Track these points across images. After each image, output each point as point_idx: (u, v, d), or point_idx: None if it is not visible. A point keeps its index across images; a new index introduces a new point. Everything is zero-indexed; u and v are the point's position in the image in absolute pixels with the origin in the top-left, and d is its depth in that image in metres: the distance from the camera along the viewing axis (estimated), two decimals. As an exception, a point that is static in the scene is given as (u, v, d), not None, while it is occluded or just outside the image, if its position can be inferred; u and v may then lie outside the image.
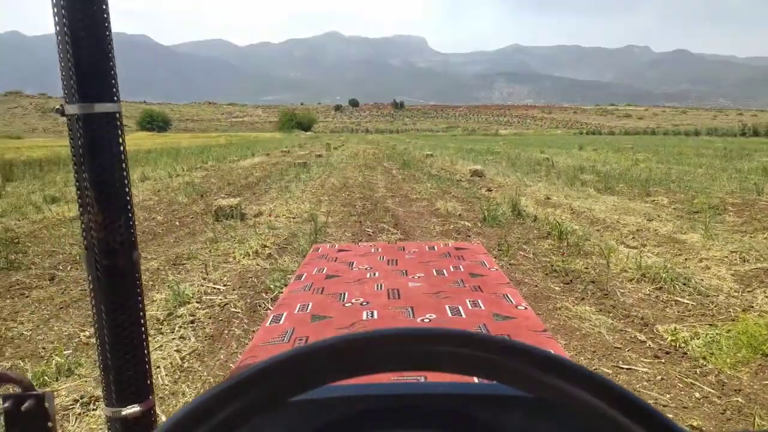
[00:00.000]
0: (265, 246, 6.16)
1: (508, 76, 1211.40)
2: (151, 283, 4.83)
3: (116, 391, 0.78)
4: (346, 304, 1.53)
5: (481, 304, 1.50)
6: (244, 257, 5.68)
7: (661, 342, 3.35)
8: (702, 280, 4.55)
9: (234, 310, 4.06)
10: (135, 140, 50.38)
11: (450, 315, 1.41)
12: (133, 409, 0.78)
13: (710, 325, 3.56)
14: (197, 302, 4.20)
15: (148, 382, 0.82)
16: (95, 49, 0.70)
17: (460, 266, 1.94)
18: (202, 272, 5.12)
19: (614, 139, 57.06)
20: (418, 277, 1.81)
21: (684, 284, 4.43)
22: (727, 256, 5.42)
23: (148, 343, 0.83)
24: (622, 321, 3.72)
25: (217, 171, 16.91)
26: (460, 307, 1.48)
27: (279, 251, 6.03)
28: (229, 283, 4.76)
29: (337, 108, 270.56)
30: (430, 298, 1.57)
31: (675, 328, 3.47)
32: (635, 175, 13.47)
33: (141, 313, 0.80)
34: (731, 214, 8.01)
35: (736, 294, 4.35)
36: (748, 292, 4.43)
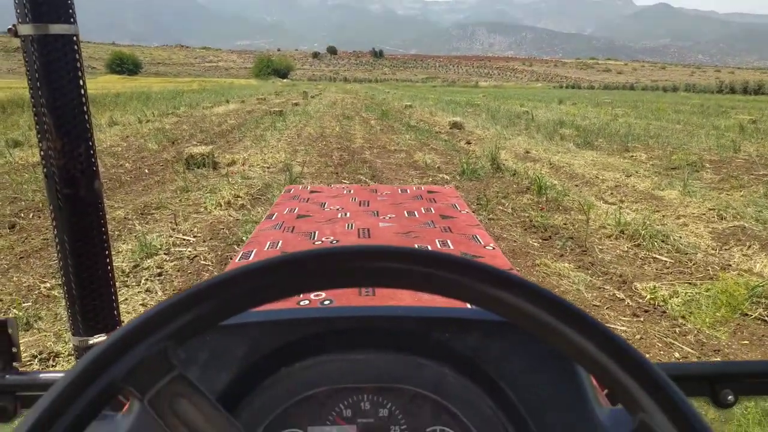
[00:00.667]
0: (238, 196, 5.95)
1: (489, 26, 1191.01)
2: (117, 233, 4.62)
3: (83, 320, 0.77)
4: (316, 243, 1.52)
5: (450, 244, 1.52)
6: (215, 208, 5.48)
7: (640, 300, 3.31)
8: (680, 237, 4.52)
9: (204, 262, 3.90)
10: (104, 83, 48.47)
11: None
12: (100, 339, 0.76)
13: (689, 283, 3.54)
14: (165, 254, 4.03)
15: (115, 312, 0.80)
16: None
17: (432, 208, 1.94)
18: (171, 223, 4.92)
19: (594, 94, 56.95)
20: (390, 217, 1.81)
21: (662, 241, 4.40)
22: (704, 214, 5.41)
23: (114, 274, 0.81)
24: (600, 278, 3.68)
25: (190, 117, 16.37)
26: (428, 246, 1.48)
27: (252, 202, 5.84)
28: (199, 235, 4.58)
29: (315, 55, 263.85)
30: (400, 238, 1.58)
31: (654, 287, 3.44)
32: (614, 131, 13.43)
33: (105, 243, 0.78)
34: (709, 171, 8.02)
35: (713, 252, 4.34)
36: (725, 250, 4.43)
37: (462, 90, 68.88)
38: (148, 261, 3.84)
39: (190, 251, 4.11)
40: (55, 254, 0.83)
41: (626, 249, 4.33)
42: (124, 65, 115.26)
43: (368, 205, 1.99)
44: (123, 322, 0.81)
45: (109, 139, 10.88)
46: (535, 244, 4.45)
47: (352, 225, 1.71)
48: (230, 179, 6.85)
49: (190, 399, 0.35)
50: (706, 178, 7.53)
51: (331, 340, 0.60)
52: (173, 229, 4.70)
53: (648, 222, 4.71)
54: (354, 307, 0.66)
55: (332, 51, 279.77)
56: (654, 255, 4.16)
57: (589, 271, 3.79)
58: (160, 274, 3.63)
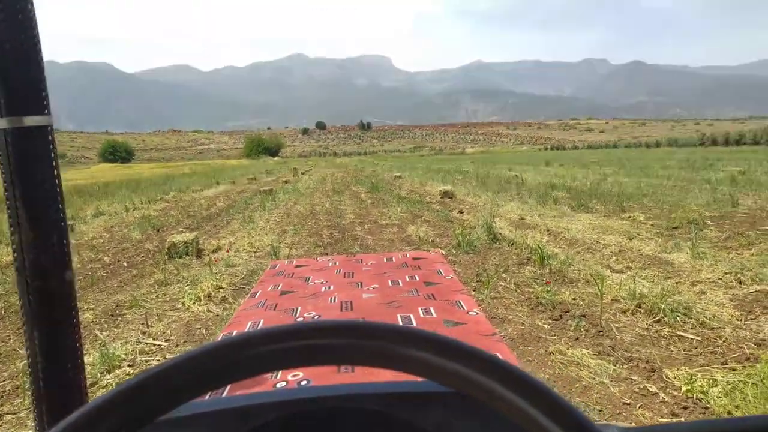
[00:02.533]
0: (220, 288, 5.54)
1: (473, 93, 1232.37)
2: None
3: (48, 417, 0.72)
4: (298, 319, 1.49)
5: (433, 312, 1.52)
6: (194, 302, 5.05)
7: (676, 393, 2.86)
8: (704, 309, 4.11)
9: (174, 374, 3.43)
10: (94, 173, 48.83)
11: (401, 324, 1.32)
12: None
13: (726, 367, 3.10)
14: (129, 365, 3.57)
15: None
16: (23, 58, 0.66)
17: (416, 276, 1.94)
18: (142, 325, 4.48)
19: (579, 154, 57.92)
20: (373, 288, 1.80)
21: (684, 315, 4.00)
22: (720, 278, 5.03)
23: (84, 373, 0.76)
24: (625, 366, 3.24)
25: (178, 202, 16.16)
26: (411, 316, 1.48)
27: (234, 293, 5.42)
28: (172, 338, 4.13)
29: (305, 131, 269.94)
30: (383, 308, 1.56)
31: (688, 375, 3.00)
32: (606, 191, 13.26)
33: (76, 337, 0.74)
34: (712, 228, 7.71)
35: (739, 322, 3.93)
36: (752, 319, 4.02)
37: (450, 157, 70.01)
38: (109, 376, 3.37)
39: (158, 360, 3.65)
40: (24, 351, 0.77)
41: (646, 326, 3.91)
42: (116, 153, 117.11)
43: (352, 277, 1.98)
44: None
45: (92, 231, 10.53)
46: (545, 326, 4.02)
47: (335, 298, 1.70)
48: (213, 268, 6.45)
49: None
50: (711, 236, 7.21)
51: (288, 426, 0.57)
52: (143, 333, 4.24)
53: (666, 293, 4.31)
54: (308, 387, 0.66)
55: (321, 126, 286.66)
56: (678, 332, 3.74)
57: (611, 358, 3.35)
58: (121, 394, 3.16)
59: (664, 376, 3.07)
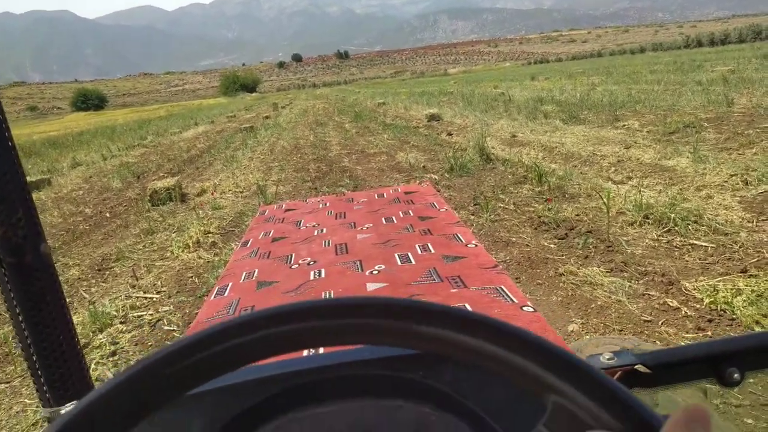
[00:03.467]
0: (209, 232, 5.30)
1: (450, 13, 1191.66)
2: (68, 299, 3.96)
3: (50, 390, 0.72)
4: (293, 266, 1.48)
5: (431, 248, 1.48)
6: (183, 250, 4.83)
7: (698, 306, 2.73)
8: (714, 215, 3.95)
9: (168, 327, 3.25)
10: (67, 123, 47.25)
11: (399, 263, 1.39)
12: (71, 407, 0.60)
13: (747, 274, 2.96)
14: (122, 322, 3.38)
15: (85, 376, 0.75)
16: None
17: (410, 211, 1.89)
18: (131, 278, 4.27)
19: (563, 66, 56.75)
20: (367, 227, 1.76)
21: (695, 222, 3.83)
22: (726, 181, 4.86)
23: (77, 338, 0.75)
24: (641, 281, 3.09)
25: (157, 147, 15.63)
26: (409, 254, 1.45)
27: (224, 237, 5.19)
28: (163, 289, 3.93)
29: (281, 65, 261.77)
30: (379, 249, 1.53)
31: (709, 285, 2.86)
32: (597, 101, 12.90)
33: (63, 307, 0.73)
34: (710, 131, 7.49)
35: (751, 225, 3.79)
36: (764, 220, 3.87)
37: (432, 80, 68.44)
38: (100, 336, 3.19)
39: (151, 314, 3.46)
40: (12, 327, 0.73)
41: (656, 237, 3.75)
42: (89, 101, 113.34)
43: (345, 217, 1.92)
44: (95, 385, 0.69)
45: (71, 183, 10.14)
46: (551, 245, 3.85)
47: (329, 242, 1.65)
48: (199, 213, 6.19)
49: None
50: (710, 138, 7.00)
51: (296, 396, 0.56)
52: (133, 286, 4.04)
53: (675, 202, 4.13)
54: (315, 356, 0.63)
55: (297, 59, 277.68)
56: (691, 241, 3.59)
57: (625, 274, 3.19)
58: (114, 353, 2.98)
59: (683, 289, 2.92)
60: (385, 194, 2.22)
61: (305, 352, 0.88)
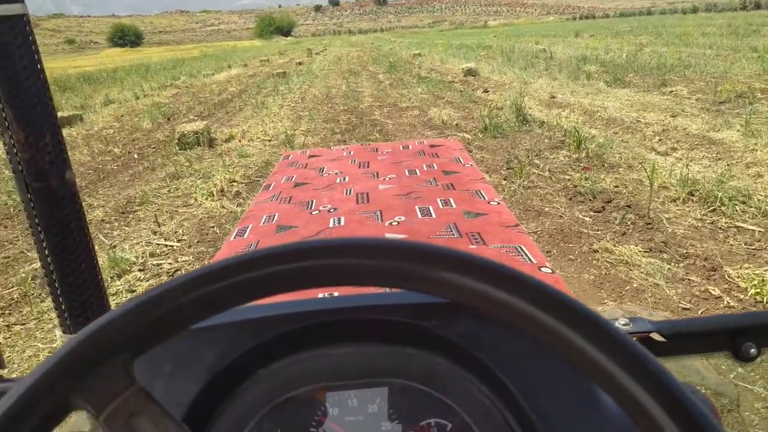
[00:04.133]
0: (234, 181, 5.23)
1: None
2: (91, 242, 3.96)
3: (71, 317, 0.73)
4: (314, 212, 1.48)
5: (453, 203, 1.48)
6: (206, 198, 4.77)
7: (742, 296, 2.55)
8: (766, 196, 3.69)
9: (186, 279, 3.21)
10: (103, 59, 47.43)
11: (420, 216, 1.39)
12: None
13: (799, 265, 2.75)
14: (140, 270, 3.35)
15: (104, 305, 0.77)
16: None
17: (434, 164, 1.86)
18: (154, 223, 4.24)
19: (610, 23, 54.24)
20: (390, 178, 1.74)
21: (743, 203, 3.59)
22: (781, 159, 4.54)
23: (99, 266, 0.75)
24: (681, 265, 2.90)
25: (189, 88, 15.53)
26: (430, 207, 1.45)
27: (248, 187, 5.12)
28: (184, 238, 3.89)
29: (317, 9, 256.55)
30: (400, 200, 1.52)
31: (755, 274, 2.66)
32: (644, 63, 12.26)
33: (86, 235, 0.72)
34: (764, 102, 7.03)
35: (804, 210, 3.53)
36: (820, 205, 3.60)
37: (471, 32, 66.34)
38: (118, 283, 3.17)
39: (170, 263, 3.43)
40: (35, 252, 0.70)
41: (699, 217, 3.53)
42: (125, 37, 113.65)
43: (368, 167, 1.90)
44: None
45: (102, 121, 10.16)
46: (587, 219, 3.66)
47: (350, 190, 1.64)
48: (225, 159, 6.12)
49: (150, 417, 0.32)
50: (764, 111, 6.56)
51: (310, 335, 0.57)
52: (154, 233, 4.01)
53: (723, 180, 3.87)
54: (332, 298, 0.64)
55: (334, 2, 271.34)
56: (737, 223, 3.36)
57: (665, 256, 3.01)
58: (130, 302, 2.96)
59: (726, 276, 2.74)
60: (410, 146, 2.18)
61: (320, 294, 0.88)
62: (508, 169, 5.00)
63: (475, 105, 8.72)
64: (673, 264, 2.90)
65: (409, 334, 0.57)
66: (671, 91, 8.40)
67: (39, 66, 0.68)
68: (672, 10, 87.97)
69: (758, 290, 2.53)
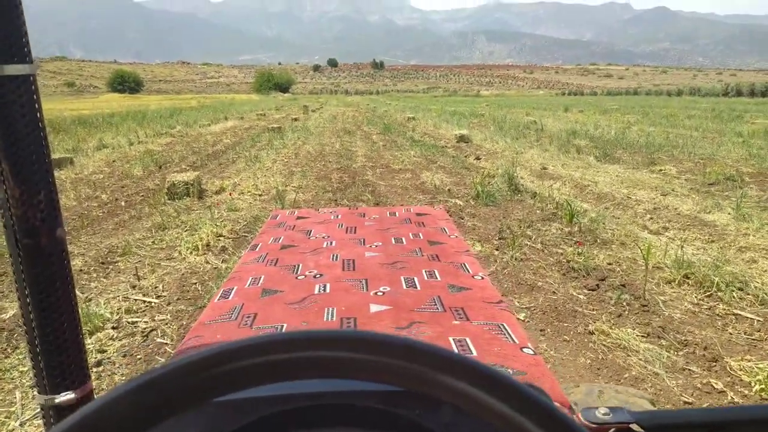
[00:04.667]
0: (220, 236, 5.11)
1: (488, 34, 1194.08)
2: (66, 292, 3.77)
3: (48, 377, 0.73)
4: (299, 277, 1.47)
5: (438, 275, 1.48)
6: (191, 252, 4.63)
7: (746, 392, 2.43)
8: (762, 283, 3.63)
9: (161, 340, 3.03)
10: (100, 103, 47.93)
11: (405, 287, 1.39)
12: (67, 396, 0.74)
13: (802, 360, 2.65)
14: (114, 327, 3.17)
15: (84, 367, 0.76)
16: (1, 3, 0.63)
17: (420, 233, 1.90)
18: (134, 276, 4.08)
19: (598, 100, 56.20)
20: (376, 246, 1.76)
21: (740, 289, 3.52)
22: (773, 245, 4.53)
23: (81, 325, 0.76)
24: (680, 353, 2.79)
25: (184, 137, 15.59)
26: (415, 278, 1.45)
27: (235, 243, 4.99)
28: (164, 294, 3.72)
29: (316, 68, 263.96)
30: (386, 269, 1.53)
31: (758, 368, 2.56)
32: (632, 141, 12.56)
33: (71, 294, 0.73)
34: (752, 186, 7.14)
35: (800, 299, 3.46)
36: (814, 296, 3.55)
37: (464, 99, 68.32)
38: (89, 341, 2.98)
39: (146, 322, 3.25)
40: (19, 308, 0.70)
41: (696, 302, 3.45)
42: (125, 83, 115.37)
43: (355, 232, 1.92)
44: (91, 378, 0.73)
45: (93, 165, 10.08)
46: (581, 297, 3.57)
47: (337, 256, 1.65)
48: (214, 212, 6.01)
49: None
50: (752, 195, 6.65)
51: (292, 419, 0.56)
52: (133, 287, 3.84)
53: (716, 262, 3.82)
54: (315, 381, 0.54)
55: (333, 63, 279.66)
56: (735, 311, 3.28)
57: (663, 342, 2.90)
58: (99, 364, 2.77)
59: (728, 367, 2.63)
60: (397, 213, 2.21)
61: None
62: (500, 239, 4.95)
63: (468, 171, 8.78)
64: (672, 351, 2.79)
65: (390, 421, 0.56)
66: (660, 170, 8.54)
67: (40, 124, 0.69)
68: (657, 92, 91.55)
69: (764, 386, 2.42)
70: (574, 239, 4.85)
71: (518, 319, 1.20)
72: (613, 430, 0.68)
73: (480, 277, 1.47)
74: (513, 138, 13.81)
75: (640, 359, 2.72)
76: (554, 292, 3.65)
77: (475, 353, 1.03)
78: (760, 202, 6.31)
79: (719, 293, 3.48)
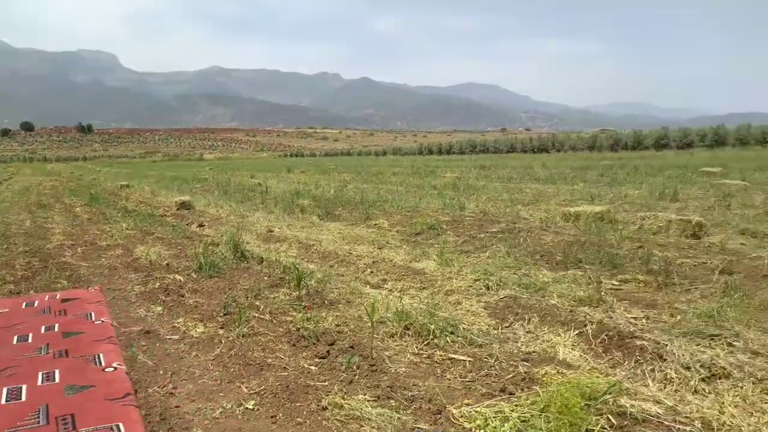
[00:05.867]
0: None
1: (210, 98, 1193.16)
2: None
3: None
4: None
5: (57, 377, 1.34)
6: None
7: (469, 440, 2.49)
8: (470, 324, 3.97)
9: None
10: None
11: (4, 402, 1.23)
12: None
13: (508, 395, 2.87)
14: None
15: None
16: None
17: (56, 325, 1.71)
18: None
19: (317, 161, 60.29)
20: None
21: (451, 333, 3.79)
22: (471, 286, 5.09)
23: None
24: (409, 411, 2.77)
25: None
26: (23, 387, 1.30)
27: None
28: None
29: (5, 133, 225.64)
30: None
31: (476, 412, 2.67)
32: (349, 198, 13.48)
33: None
34: (449, 233, 8.15)
35: (496, 331, 3.89)
36: (506, 327, 4.03)
37: (187, 164, 66.03)
38: None
39: None
40: None
41: (417, 351, 3.57)
42: None
43: None
44: None
45: None
46: (312, 368, 3.38)
47: None
48: None
49: None
50: (450, 241, 7.56)
51: None
52: None
53: (433, 311, 4.07)
54: None
55: (27, 127, 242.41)
56: (450, 355, 3.48)
57: (393, 402, 2.85)
58: None
59: (451, 417, 2.69)
60: (36, 302, 2.01)
61: None
62: (225, 314, 4.53)
63: (190, 241, 8.15)
64: (402, 412, 2.75)
65: None
66: (375, 224, 9.22)
67: None
68: (367, 152, 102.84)
69: (482, 431, 2.51)
70: (303, 304, 4.72)
71: (141, 414, 1.03)
72: None
73: (112, 368, 1.39)
74: (238, 201, 13.57)
75: (373, 427, 2.61)
76: (285, 368, 3.39)
77: None
78: (457, 246, 7.20)
79: (435, 340, 3.67)
